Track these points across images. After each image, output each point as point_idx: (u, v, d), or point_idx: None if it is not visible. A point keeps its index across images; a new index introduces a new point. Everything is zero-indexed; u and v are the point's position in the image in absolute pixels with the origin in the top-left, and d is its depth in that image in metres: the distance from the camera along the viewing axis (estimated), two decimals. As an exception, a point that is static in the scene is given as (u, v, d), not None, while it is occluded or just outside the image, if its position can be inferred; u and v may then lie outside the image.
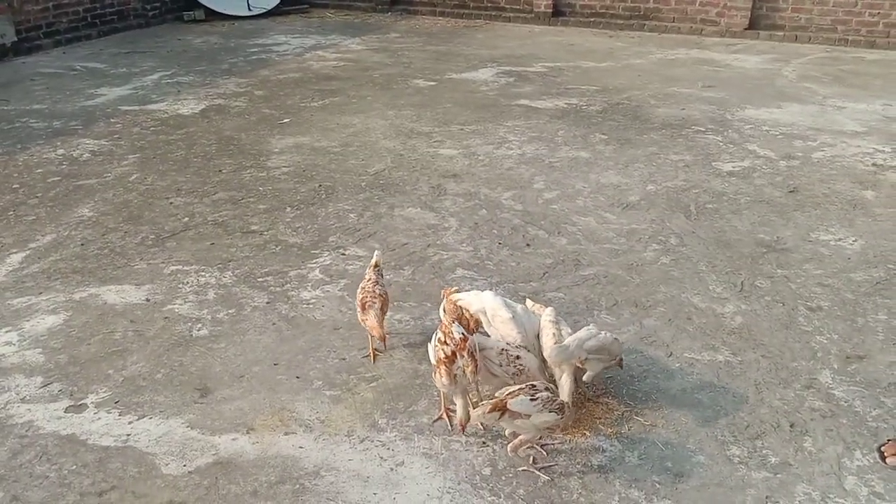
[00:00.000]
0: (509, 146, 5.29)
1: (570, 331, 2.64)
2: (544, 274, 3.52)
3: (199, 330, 3.09)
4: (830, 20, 8.91)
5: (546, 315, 2.65)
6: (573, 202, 4.35)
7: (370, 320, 2.72)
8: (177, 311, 3.23)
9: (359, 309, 2.79)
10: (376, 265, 2.95)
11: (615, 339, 2.59)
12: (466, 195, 4.43)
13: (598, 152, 5.17)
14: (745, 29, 9.12)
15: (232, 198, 4.40)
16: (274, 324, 3.13)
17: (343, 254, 3.72)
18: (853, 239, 3.86)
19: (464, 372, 2.33)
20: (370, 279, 2.87)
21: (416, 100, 6.44)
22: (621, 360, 2.64)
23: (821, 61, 7.96)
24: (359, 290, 2.86)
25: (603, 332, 2.55)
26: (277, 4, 10.64)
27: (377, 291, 2.80)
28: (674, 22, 9.59)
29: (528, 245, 3.81)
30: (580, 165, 4.93)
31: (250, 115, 5.97)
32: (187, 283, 3.46)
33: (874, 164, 4.92)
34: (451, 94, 6.64)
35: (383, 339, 2.73)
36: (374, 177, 4.73)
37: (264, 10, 10.40)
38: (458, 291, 2.74)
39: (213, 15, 10.06)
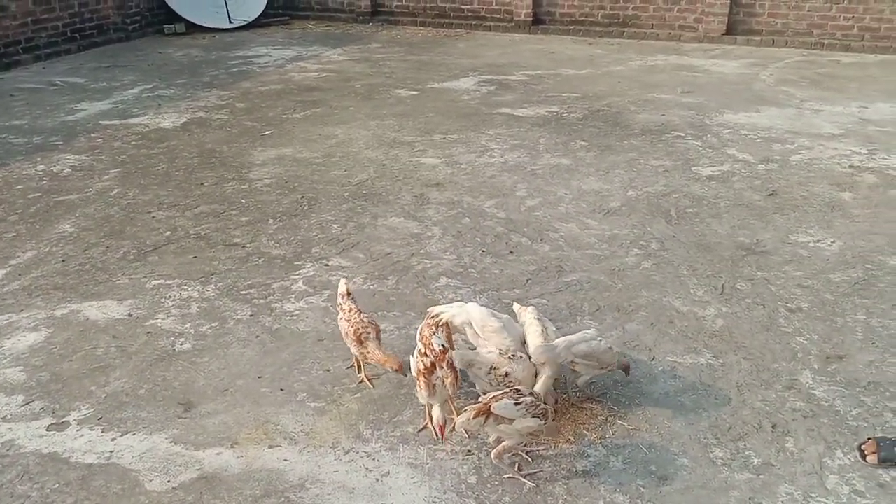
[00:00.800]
0: (491, 154, 5.32)
1: (555, 329, 2.67)
2: (528, 281, 3.54)
3: (182, 344, 3.08)
4: (806, 24, 9.04)
5: (529, 313, 2.68)
6: (555, 209, 4.38)
7: (374, 353, 2.61)
8: (159, 325, 3.22)
9: (353, 343, 2.67)
10: (348, 293, 2.83)
11: (609, 348, 2.59)
12: (449, 204, 4.45)
13: (580, 159, 5.20)
14: (723, 34, 9.23)
15: (214, 211, 4.39)
16: (257, 336, 3.13)
17: (326, 265, 3.72)
18: (832, 240, 3.91)
19: (443, 383, 2.34)
20: (351, 309, 2.74)
21: (398, 109, 6.46)
22: (628, 366, 2.66)
23: (797, 65, 8.06)
24: (345, 324, 2.72)
25: (598, 339, 2.57)
26: (258, 16, 10.65)
27: (366, 321, 2.69)
28: (652, 28, 9.68)
29: (511, 252, 3.83)
30: (562, 172, 4.96)
31: (232, 128, 5.96)
32: (170, 297, 3.45)
33: (851, 166, 4.98)
34: (434, 103, 6.67)
35: (399, 367, 2.57)
36: (357, 187, 4.74)
37: (245, 23, 10.40)
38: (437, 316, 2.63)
39: (193, 28, 10.05)
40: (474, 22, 10.63)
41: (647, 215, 4.26)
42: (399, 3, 11.08)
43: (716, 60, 8.30)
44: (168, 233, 4.11)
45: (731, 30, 9.26)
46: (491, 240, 3.97)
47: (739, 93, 6.88)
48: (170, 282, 3.58)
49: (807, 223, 4.12)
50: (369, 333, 2.65)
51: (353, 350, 2.72)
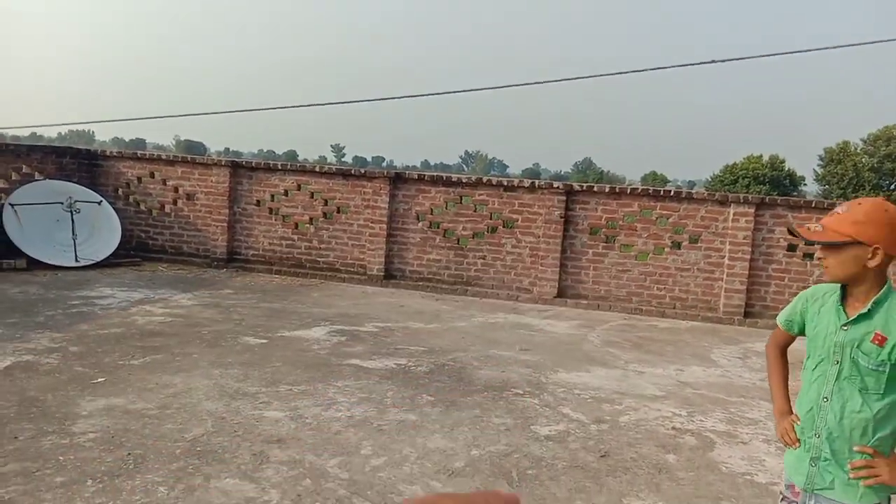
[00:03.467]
0: (338, 408, 5.28)
1: None
2: (368, 552, 3.38)
3: None
4: (626, 292, 10.17)
5: None
6: (400, 469, 4.32)
7: None
8: None
9: None
10: None
11: None
12: (290, 463, 4.28)
13: (426, 415, 5.28)
14: (555, 297, 10.16)
15: (25, 470, 3.96)
16: None
17: (147, 535, 3.38)
18: None
19: None
20: None
21: (244, 358, 6.38)
22: None
23: (621, 328, 8.91)
24: None
25: None
26: (108, 256, 10.52)
27: None
28: (493, 288, 10.50)
29: (352, 519, 3.68)
30: (408, 429, 4.98)
31: (61, 374, 5.59)
32: (-51, 579, 2.95)
33: (673, 428, 5.38)
34: (283, 352, 6.66)
35: None
36: (192, 443, 4.48)
37: (93, 262, 10.21)
38: None
39: (36, 264, 9.71)
40: (329, 273, 11.06)
41: (489, 477, 4.30)
42: (255, 252, 11.41)
43: (549, 320, 9.02)
44: (-38, 497, 3.62)
45: (561, 293, 10.23)
46: (332, 504, 3.82)
47: (571, 352, 7.44)
48: (-47, 560, 3.09)
49: (637, 486, 4.31)
50: None
51: None
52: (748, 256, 9.78)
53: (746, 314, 9.83)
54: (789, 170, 49.83)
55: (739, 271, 9.80)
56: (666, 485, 4.36)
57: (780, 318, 2.50)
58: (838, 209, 2.14)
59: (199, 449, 4.40)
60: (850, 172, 48.63)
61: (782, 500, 2.34)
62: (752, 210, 9.76)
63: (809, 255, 9.76)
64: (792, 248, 9.80)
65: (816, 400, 2.23)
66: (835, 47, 9.16)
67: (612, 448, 4.89)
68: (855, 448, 2.11)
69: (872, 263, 2.06)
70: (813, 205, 10.03)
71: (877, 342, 2.07)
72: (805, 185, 52.11)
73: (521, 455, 4.66)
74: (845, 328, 2.15)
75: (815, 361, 2.25)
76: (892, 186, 48.45)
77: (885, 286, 2.11)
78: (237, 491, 3.89)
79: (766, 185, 46.49)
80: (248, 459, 4.30)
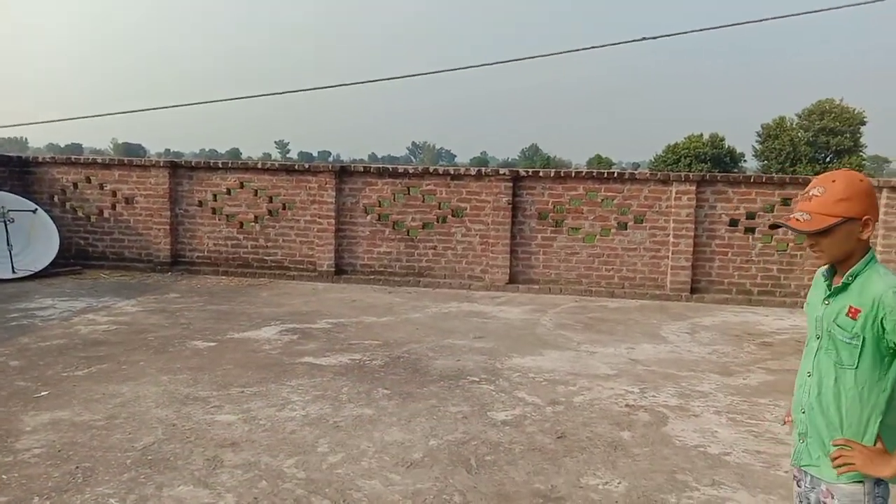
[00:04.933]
0: (293, 407, 5.21)
1: None
2: (328, 549, 3.34)
3: None
4: (575, 275, 10.29)
5: None
6: (358, 464, 4.29)
7: None
8: None
9: None
10: None
11: None
12: (245, 466, 4.21)
13: (382, 408, 5.25)
14: (507, 283, 10.22)
15: (-36, 492, 3.79)
16: None
17: (99, 550, 3.28)
18: (618, 481, 4.15)
19: None
20: None
21: (193, 362, 6.24)
22: None
23: (572, 310, 9.02)
24: None
25: None
26: (47, 266, 10.17)
27: None
28: (445, 278, 10.51)
29: (311, 517, 3.63)
30: (364, 423, 4.95)
31: (1, 389, 5.37)
32: None
33: (627, 405, 5.47)
34: (233, 354, 6.54)
35: None
36: (142, 452, 4.36)
37: (31, 273, 9.86)
38: None
39: (-33, 278, 9.33)
40: (278, 271, 10.91)
41: (448, 465, 4.30)
42: (200, 253, 11.17)
43: (502, 307, 9.07)
44: None
45: (513, 279, 10.30)
46: (290, 505, 3.76)
47: (524, 337, 7.49)
48: None
49: (594, 465, 4.37)
50: None
51: None
52: (692, 233, 9.99)
53: (693, 290, 10.05)
54: (729, 147, 51.03)
55: (684, 248, 10.01)
56: (622, 461, 4.43)
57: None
58: (813, 192, 2.13)
59: (150, 457, 4.29)
60: (787, 147, 50.09)
61: (794, 478, 2.34)
62: (694, 188, 9.97)
63: (751, 230, 10.04)
64: (734, 223, 10.05)
65: (802, 375, 2.24)
66: (761, 20, 9.35)
67: (568, 429, 4.94)
68: (834, 441, 2.11)
69: (865, 235, 2.08)
70: (752, 180, 10.29)
71: (850, 315, 2.07)
72: (745, 161, 53.46)
73: (478, 442, 4.67)
74: (826, 302, 2.18)
75: (808, 339, 2.27)
76: (828, 159, 50.10)
77: (866, 257, 2.12)
78: (192, 498, 3.81)
79: (708, 163, 47.54)
80: (201, 465, 4.21)
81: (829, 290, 2.18)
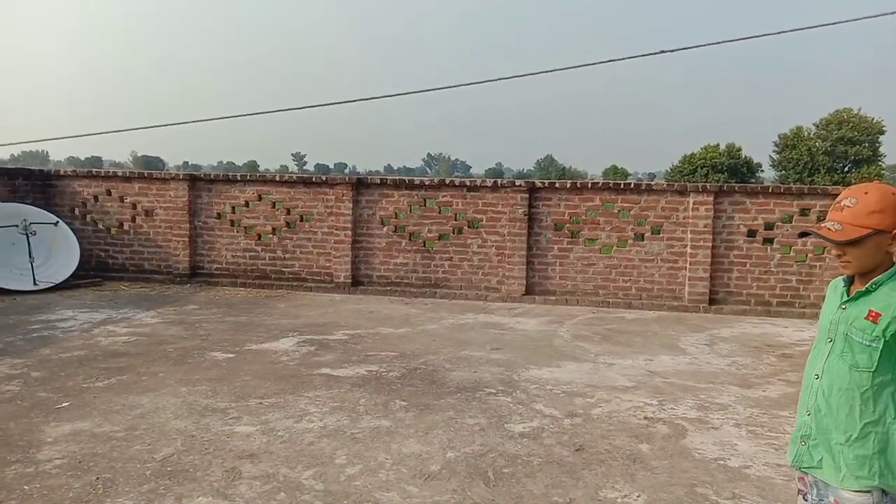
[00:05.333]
0: (310, 419, 5.23)
1: None
2: (347, 562, 3.34)
3: None
4: (592, 286, 10.25)
5: None
6: (376, 476, 4.29)
7: None
8: None
9: None
10: None
11: None
12: (264, 477, 4.23)
13: (399, 420, 5.25)
14: (523, 294, 10.20)
15: (-13, 502, 3.84)
16: None
17: (119, 561, 3.30)
18: (637, 494, 4.12)
19: None
20: None
21: (212, 374, 6.28)
22: None
23: (589, 322, 8.98)
24: None
25: None
26: (68, 278, 10.29)
27: None
28: (461, 289, 10.51)
29: (329, 529, 3.64)
30: (382, 435, 4.95)
31: (23, 401, 5.44)
32: None
33: (645, 418, 5.43)
34: (251, 366, 6.57)
35: None
36: (161, 463, 4.39)
37: (52, 285, 9.98)
38: None
39: (-9, 290, 9.46)
40: (295, 283, 10.96)
41: (466, 478, 4.29)
42: (219, 265, 11.26)
43: (518, 318, 9.05)
44: (-77, 535, 3.50)
45: (529, 290, 10.28)
46: (308, 516, 3.77)
47: (541, 349, 7.47)
48: None
49: (613, 478, 4.34)
50: None
51: None
52: (710, 244, 9.93)
53: (711, 301, 9.98)
54: (746, 157, 50.67)
55: (702, 259, 9.95)
56: (641, 474, 4.40)
57: None
58: (845, 202, 2.13)
59: (169, 469, 4.32)
60: (804, 157, 49.66)
61: (799, 492, 2.34)
62: (711, 198, 9.92)
63: (769, 240, 9.96)
64: (752, 233, 9.98)
65: (810, 378, 2.26)
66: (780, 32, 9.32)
67: (587, 441, 4.92)
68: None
69: (894, 248, 2.09)
70: (770, 190, 10.23)
71: (871, 318, 2.08)
72: (762, 171, 53.06)
73: (496, 454, 4.66)
74: (844, 306, 2.18)
75: (816, 342, 2.28)
76: (846, 169, 49.63)
77: (891, 269, 2.12)
78: (210, 509, 3.83)
79: (724, 173, 47.23)
80: (220, 476, 4.23)
81: (848, 294, 2.18)
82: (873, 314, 2.08)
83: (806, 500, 2.27)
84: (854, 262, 2.14)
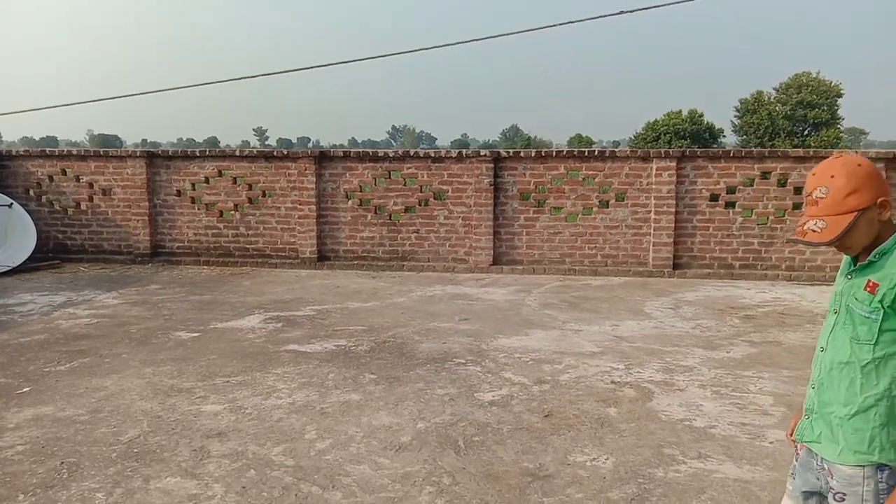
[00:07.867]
0: (279, 395, 5.19)
1: None
2: (319, 536, 3.34)
3: None
4: (559, 254, 10.31)
5: None
6: (346, 450, 4.28)
7: None
8: None
9: None
10: None
11: None
12: (233, 455, 4.19)
13: (369, 393, 5.24)
14: (491, 265, 10.22)
15: (-54, 492, 3.75)
16: None
17: (86, 545, 3.25)
18: (605, 457, 4.18)
19: None
20: None
21: (177, 353, 6.19)
22: None
23: (556, 290, 9.04)
24: None
25: None
26: (25, 261, 10.03)
27: None
28: (429, 262, 10.49)
29: (300, 504, 3.62)
30: (352, 409, 4.93)
31: (-20, 388, 5.31)
32: None
33: (612, 382, 5.50)
34: (216, 344, 6.49)
35: None
36: (128, 445, 4.33)
37: (8, 268, 9.72)
38: None
39: (-58, 275, 9.19)
40: (260, 259, 10.83)
41: (437, 448, 4.30)
42: (180, 244, 11.07)
43: (486, 289, 9.07)
44: None
45: (496, 261, 10.30)
46: (279, 493, 3.75)
47: (509, 318, 7.50)
48: None
49: (581, 442, 4.39)
50: None
51: None
52: (673, 209, 10.03)
53: (675, 266, 10.11)
54: (708, 123, 51.20)
55: (665, 224, 10.04)
56: (609, 438, 4.46)
57: None
58: (816, 193, 2.06)
59: (136, 450, 4.26)
60: (765, 121, 50.35)
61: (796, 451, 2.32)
62: (674, 164, 9.99)
63: (731, 204, 10.09)
64: (714, 197, 10.10)
65: (817, 351, 2.21)
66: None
67: (555, 407, 4.96)
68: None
69: (886, 215, 2.03)
70: (731, 154, 10.33)
71: (868, 289, 2.03)
72: (724, 136, 53.64)
73: (466, 423, 4.68)
74: (849, 276, 2.13)
75: (826, 315, 2.24)
76: (805, 132, 50.46)
77: (895, 235, 2.06)
78: (179, 489, 3.78)
79: (687, 139, 47.69)
80: (188, 456, 4.18)
81: (854, 265, 2.12)
82: (871, 284, 2.03)
83: (794, 478, 2.26)
84: (854, 246, 2.08)
